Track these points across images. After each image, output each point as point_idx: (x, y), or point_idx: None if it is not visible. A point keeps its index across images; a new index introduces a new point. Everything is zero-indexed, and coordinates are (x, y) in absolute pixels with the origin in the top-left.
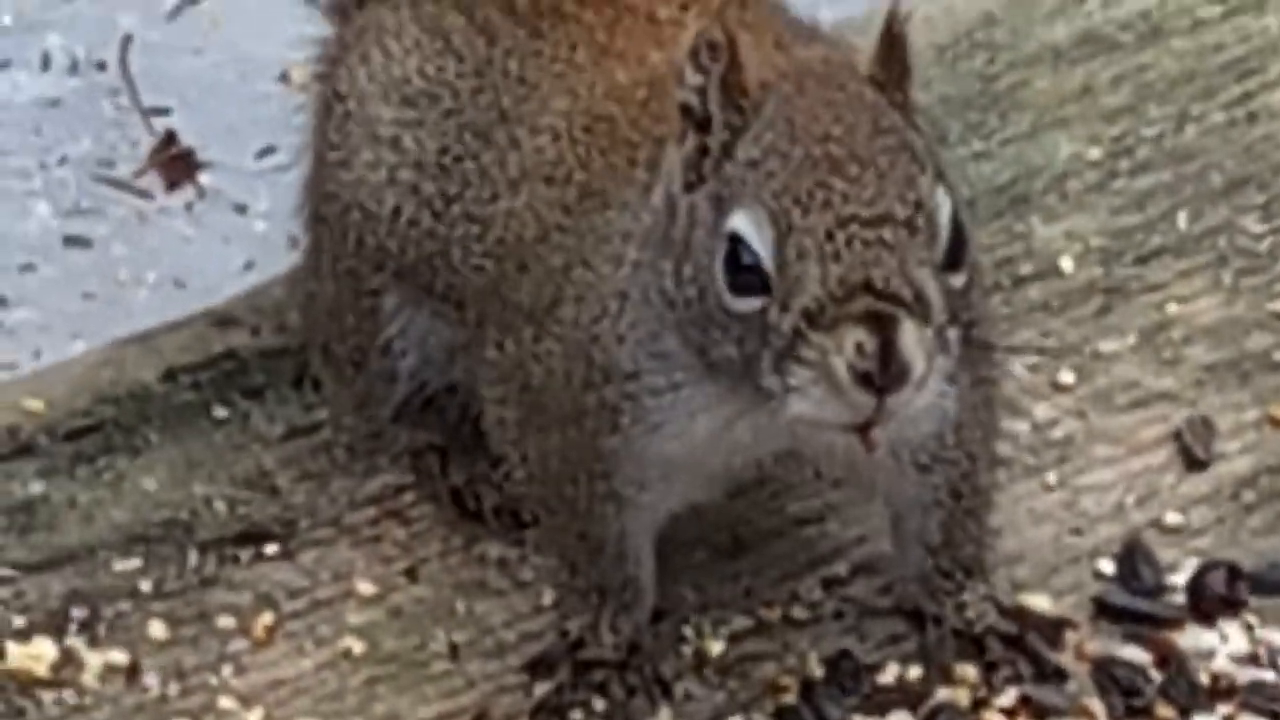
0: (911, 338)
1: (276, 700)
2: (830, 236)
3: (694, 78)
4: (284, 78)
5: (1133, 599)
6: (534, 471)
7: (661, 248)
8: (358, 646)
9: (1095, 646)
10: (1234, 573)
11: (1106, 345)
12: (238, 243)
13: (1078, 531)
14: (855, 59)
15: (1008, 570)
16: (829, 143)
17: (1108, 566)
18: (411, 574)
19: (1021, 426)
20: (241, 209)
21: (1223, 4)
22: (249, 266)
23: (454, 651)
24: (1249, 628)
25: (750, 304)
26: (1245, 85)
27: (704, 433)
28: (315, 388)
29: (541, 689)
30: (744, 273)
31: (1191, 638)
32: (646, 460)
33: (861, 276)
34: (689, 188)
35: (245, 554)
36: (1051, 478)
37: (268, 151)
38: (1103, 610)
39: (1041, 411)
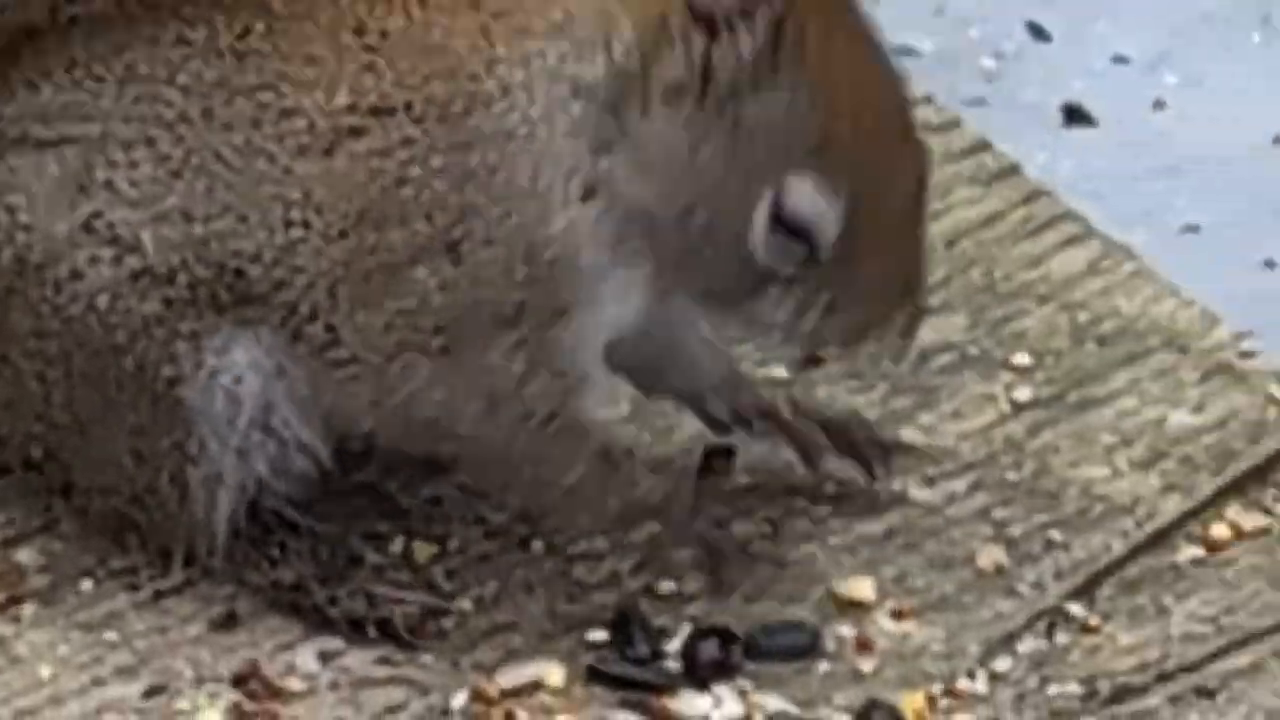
0: None
1: None
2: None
3: None
4: None
5: (626, 666)
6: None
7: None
8: None
9: (590, 713)
10: (727, 638)
11: None
12: None
13: (571, 599)
14: None
15: (502, 638)
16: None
17: (601, 634)
18: None
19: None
20: None
21: None
22: None
23: None
24: (742, 692)
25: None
26: None
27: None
28: None
29: None
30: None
31: (686, 703)
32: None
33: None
34: (676, 97)
35: None
36: (538, 545)
37: None
38: (597, 677)
39: None
